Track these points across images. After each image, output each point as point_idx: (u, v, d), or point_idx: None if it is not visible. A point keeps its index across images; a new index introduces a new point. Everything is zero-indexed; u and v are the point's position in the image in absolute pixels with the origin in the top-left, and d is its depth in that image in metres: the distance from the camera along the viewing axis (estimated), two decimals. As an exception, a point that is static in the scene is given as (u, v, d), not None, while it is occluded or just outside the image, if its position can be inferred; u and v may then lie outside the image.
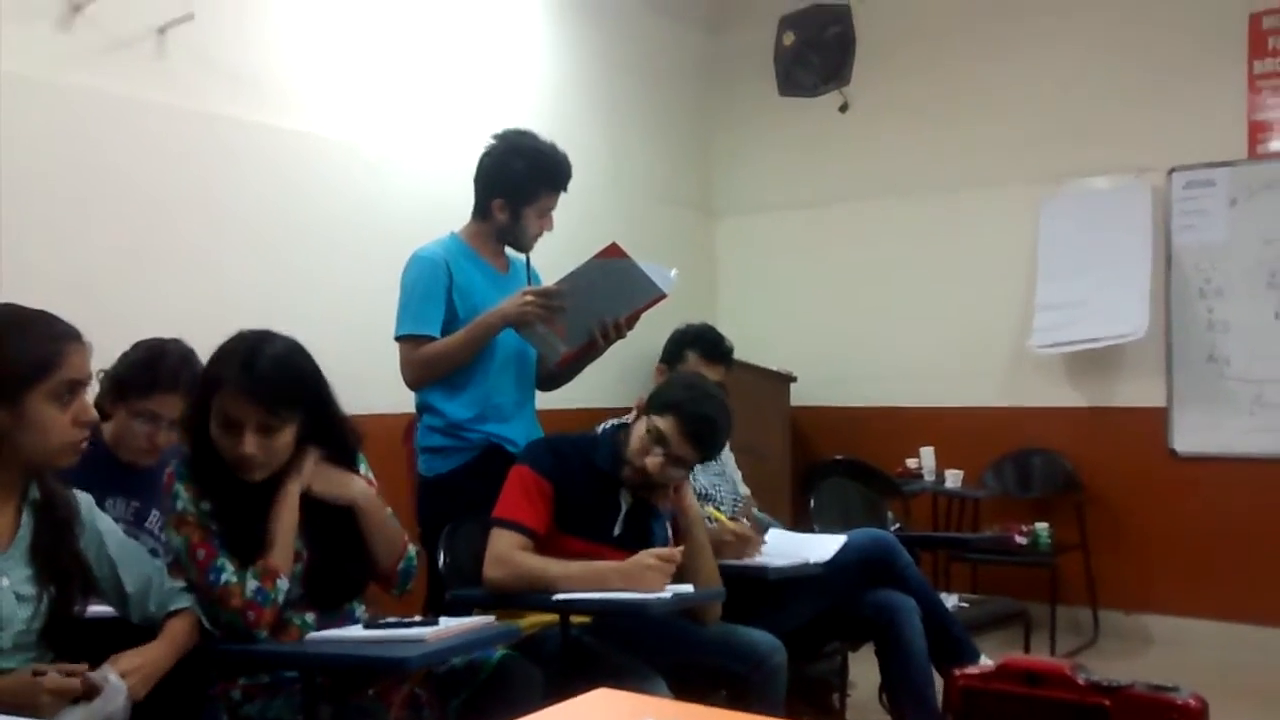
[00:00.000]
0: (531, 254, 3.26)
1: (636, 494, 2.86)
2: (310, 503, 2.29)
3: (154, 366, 2.62)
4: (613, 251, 2.96)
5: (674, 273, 3.01)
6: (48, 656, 1.97)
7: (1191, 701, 0.84)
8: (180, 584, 2.22)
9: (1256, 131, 5.34)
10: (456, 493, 3.05)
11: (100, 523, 2.15)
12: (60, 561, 2.02)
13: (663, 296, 2.99)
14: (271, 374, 2.21)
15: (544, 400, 3.38)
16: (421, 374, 3.08)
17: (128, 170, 3.90)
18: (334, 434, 2.35)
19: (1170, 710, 0.83)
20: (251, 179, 4.29)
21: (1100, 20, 5.74)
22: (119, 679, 1.92)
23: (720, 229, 7.02)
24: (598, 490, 2.86)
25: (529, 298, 2.95)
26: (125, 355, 2.68)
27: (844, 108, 6.43)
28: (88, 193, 3.78)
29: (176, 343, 2.71)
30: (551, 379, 3.33)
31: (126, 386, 2.62)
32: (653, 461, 2.76)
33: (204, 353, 2.64)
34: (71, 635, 2.02)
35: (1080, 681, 0.86)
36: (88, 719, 1.86)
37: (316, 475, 2.31)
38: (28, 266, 3.49)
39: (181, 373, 2.62)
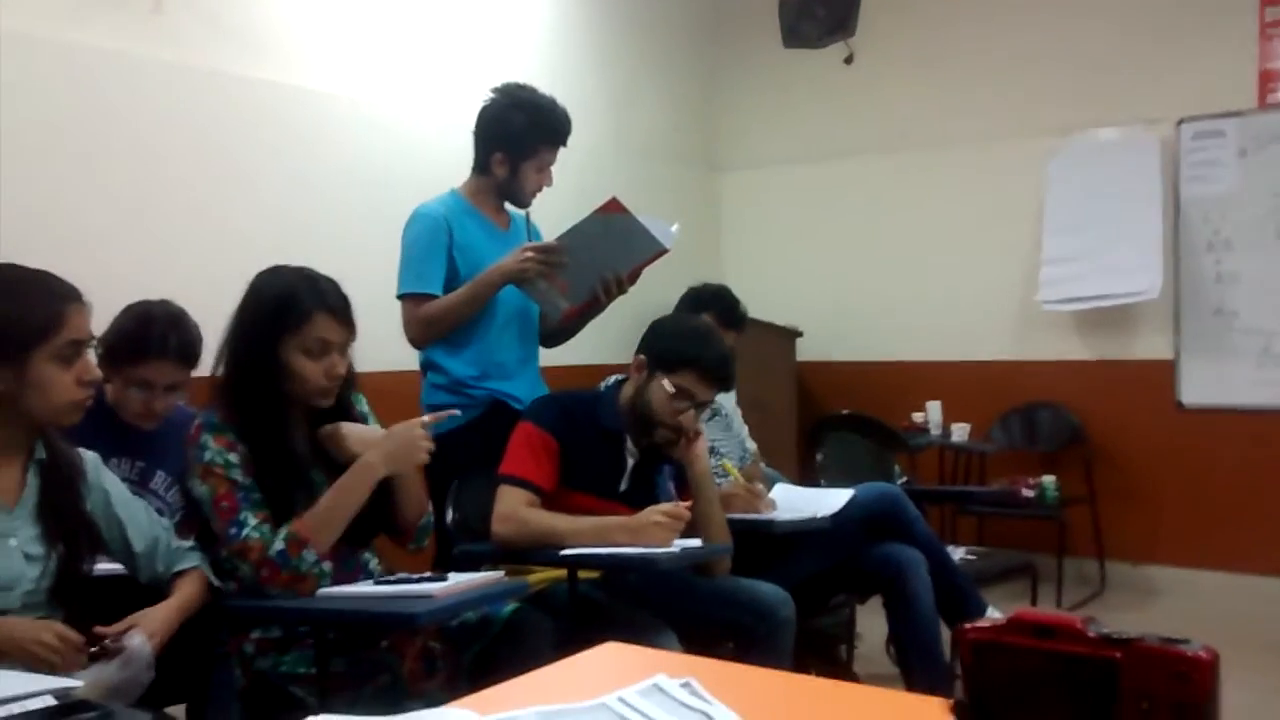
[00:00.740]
0: (532, 210, 3.24)
1: (656, 449, 2.86)
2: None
3: (143, 334, 2.59)
4: (613, 206, 2.94)
5: (675, 227, 2.99)
6: (58, 615, 1.98)
7: (1203, 654, 0.83)
8: (188, 543, 2.23)
9: (1267, 80, 5.28)
10: (461, 449, 3.04)
11: (107, 482, 2.16)
12: (68, 520, 2.03)
13: (664, 252, 2.98)
14: (343, 296, 2.31)
15: (548, 357, 3.37)
16: (424, 332, 3.07)
17: (127, 128, 3.88)
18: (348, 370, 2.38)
19: (1181, 662, 0.83)
20: (252, 135, 4.26)
21: (1109, -32, 5.67)
22: (144, 642, 1.94)
23: (724, 184, 6.98)
24: (603, 446, 2.86)
25: (529, 254, 2.94)
26: (115, 321, 2.64)
27: (849, 60, 6.37)
28: (87, 151, 3.76)
29: (164, 305, 2.68)
30: (554, 336, 3.33)
31: (117, 354, 2.59)
32: (687, 417, 2.79)
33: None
34: (81, 594, 2.03)
35: (1091, 634, 0.86)
36: (109, 678, 1.87)
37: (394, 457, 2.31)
38: (28, 225, 3.47)
39: (170, 337, 2.60)
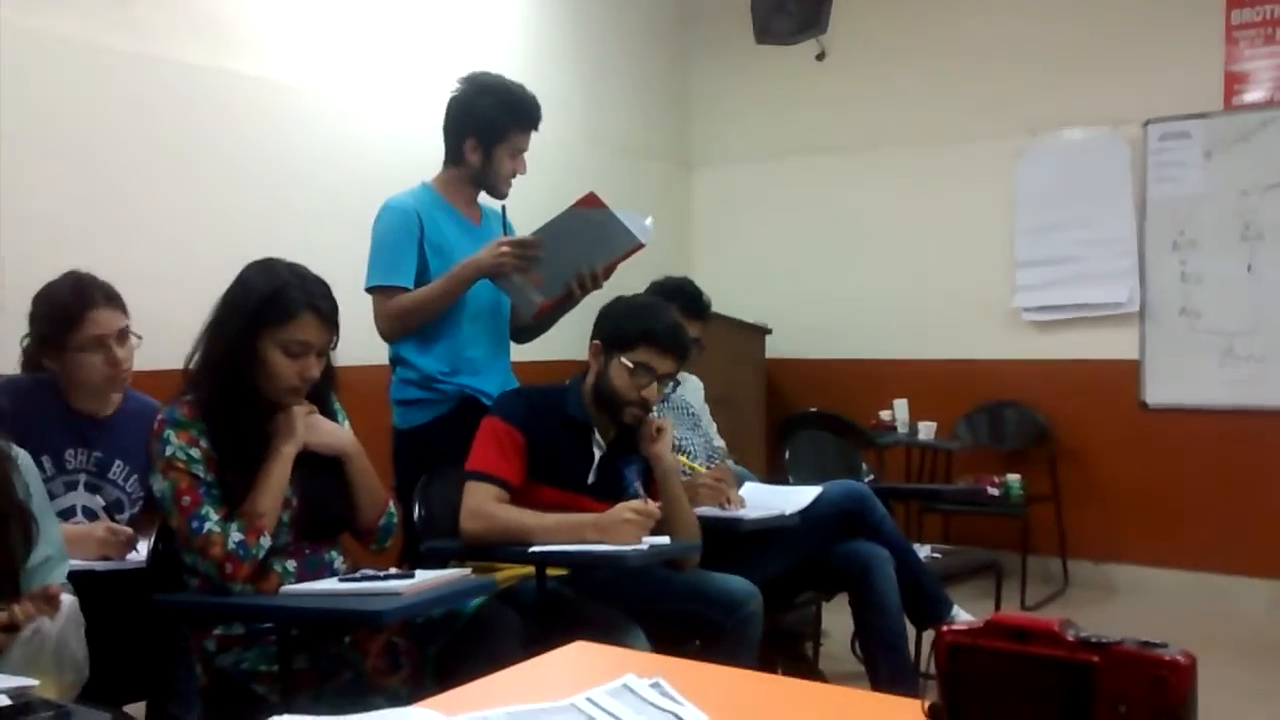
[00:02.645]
0: (504, 206, 3.22)
1: (623, 438, 2.86)
2: (300, 452, 2.29)
3: (74, 298, 2.58)
4: (590, 201, 2.92)
5: (649, 221, 2.98)
6: None
7: (1181, 658, 0.83)
8: (69, 585, 2.10)
9: (1233, 82, 5.33)
10: (431, 444, 3.03)
11: (34, 486, 2.09)
12: None
13: (640, 246, 2.96)
14: (332, 299, 2.30)
15: (519, 352, 3.35)
16: (396, 325, 3.04)
17: (90, 118, 3.81)
18: (328, 368, 2.37)
19: (1159, 666, 0.82)
20: (217, 127, 4.21)
21: (1079, -30, 5.71)
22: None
23: (696, 180, 6.97)
24: (570, 439, 2.85)
25: (505, 248, 2.91)
26: (37, 310, 2.63)
27: (821, 56, 6.37)
28: (49, 141, 3.69)
29: (71, 274, 2.65)
30: (526, 331, 3.31)
31: (60, 328, 2.56)
32: (650, 390, 2.80)
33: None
34: (16, 585, 1.97)
35: (1068, 638, 0.86)
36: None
37: (309, 428, 2.31)
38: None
39: (95, 289, 2.61)
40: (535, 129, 3.17)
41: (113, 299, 2.62)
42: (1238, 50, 5.32)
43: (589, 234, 2.93)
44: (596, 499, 2.76)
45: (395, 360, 3.14)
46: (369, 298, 3.06)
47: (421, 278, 3.03)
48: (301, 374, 2.26)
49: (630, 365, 2.78)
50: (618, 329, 2.84)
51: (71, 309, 2.57)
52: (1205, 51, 5.37)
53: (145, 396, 2.71)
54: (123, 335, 2.62)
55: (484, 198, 3.23)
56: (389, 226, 3.06)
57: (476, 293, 3.04)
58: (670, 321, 2.88)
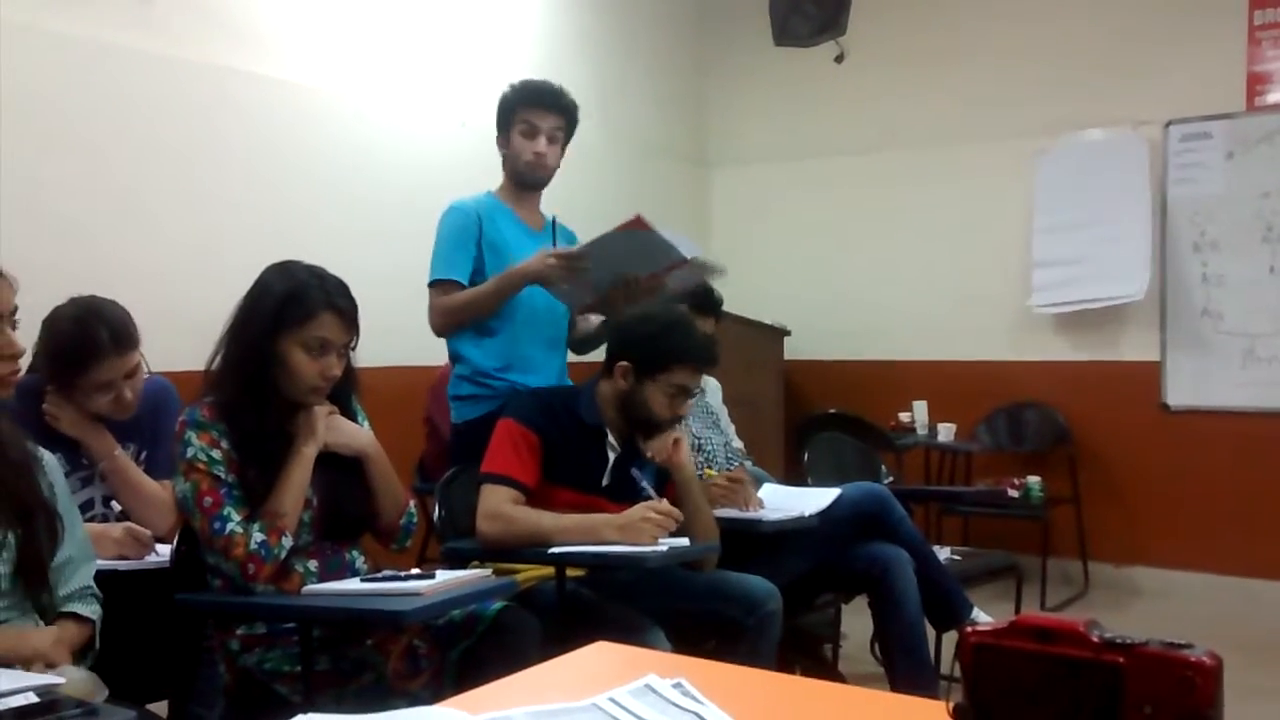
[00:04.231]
0: (554, 217, 3.25)
1: (633, 441, 2.86)
2: (321, 452, 2.30)
3: (84, 342, 2.47)
4: (637, 224, 2.89)
5: (700, 251, 3.03)
6: (26, 604, 1.96)
7: (1207, 660, 0.83)
8: (96, 591, 2.12)
9: (1255, 83, 5.30)
10: (481, 439, 3.02)
11: (59, 486, 2.11)
12: (21, 501, 1.95)
13: (685, 261, 2.97)
14: (351, 298, 2.32)
15: (573, 356, 3.39)
16: (446, 321, 3.11)
17: (113, 119, 3.84)
18: (347, 369, 2.38)
19: (1185, 667, 0.82)
20: (239, 128, 4.23)
21: (1099, -30, 5.68)
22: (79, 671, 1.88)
23: (714, 181, 6.97)
24: (585, 441, 2.85)
25: (552, 259, 2.95)
26: (45, 346, 2.51)
27: (840, 58, 6.37)
28: (74, 140, 3.72)
29: (79, 303, 2.56)
30: (584, 343, 3.36)
31: (66, 373, 2.50)
32: (685, 408, 2.83)
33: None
34: (45, 581, 1.99)
35: (1094, 639, 0.85)
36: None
37: (329, 428, 2.32)
38: (16, 214, 3.44)
39: (104, 330, 2.49)
40: (544, 107, 3.19)
41: (120, 340, 2.51)
42: (1260, 51, 5.29)
43: (635, 250, 2.95)
44: (612, 500, 2.77)
45: (453, 356, 3.22)
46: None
47: (478, 275, 3.10)
48: (323, 373, 2.28)
49: (670, 390, 2.76)
50: (650, 352, 2.78)
51: (75, 361, 2.48)
52: (1227, 52, 5.34)
53: (155, 375, 2.71)
54: (131, 373, 2.56)
55: (547, 204, 3.29)
56: (450, 225, 3.16)
57: (533, 291, 3.08)
58: (700, 337, 2.86)
